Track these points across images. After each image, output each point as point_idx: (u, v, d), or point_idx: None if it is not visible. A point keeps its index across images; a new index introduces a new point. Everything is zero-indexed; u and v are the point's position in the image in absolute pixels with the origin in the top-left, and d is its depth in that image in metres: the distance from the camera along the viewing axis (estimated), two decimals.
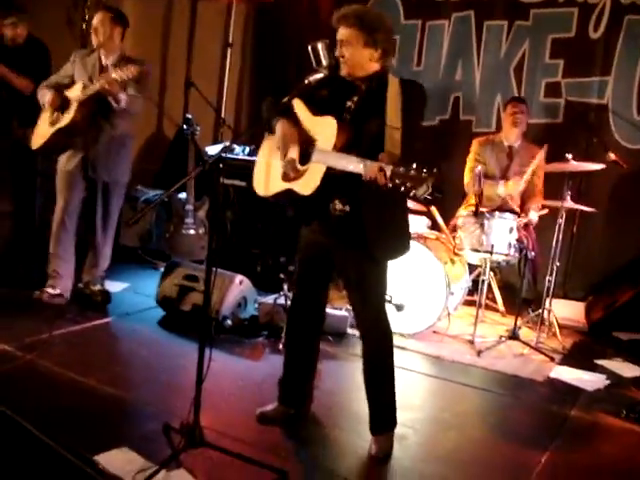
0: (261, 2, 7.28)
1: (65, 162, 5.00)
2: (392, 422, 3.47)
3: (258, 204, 6.22)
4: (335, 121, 3.11)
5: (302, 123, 3.26)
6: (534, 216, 5.39)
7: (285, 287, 4.93)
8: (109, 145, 4.94)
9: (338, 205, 3.20)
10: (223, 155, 3.04)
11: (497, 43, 6.45)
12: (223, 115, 7.22)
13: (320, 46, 3.10)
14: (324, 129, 3.14)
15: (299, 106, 3.28)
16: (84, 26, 7.63)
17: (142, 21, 7.73)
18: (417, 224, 5.65)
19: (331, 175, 3.07)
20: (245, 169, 6.33)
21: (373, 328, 3.43)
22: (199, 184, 6.31)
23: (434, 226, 5.69)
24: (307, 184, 3.14)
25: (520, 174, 5.58)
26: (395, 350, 4.80)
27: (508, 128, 5.72)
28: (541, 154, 5.29)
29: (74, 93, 4.79)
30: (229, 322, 4.85)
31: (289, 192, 3.23)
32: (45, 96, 4.91)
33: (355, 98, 3.21)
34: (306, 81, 3.16)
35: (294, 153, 3.26)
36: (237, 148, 6.63)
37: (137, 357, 4.32)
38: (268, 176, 3.38)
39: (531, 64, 6.31)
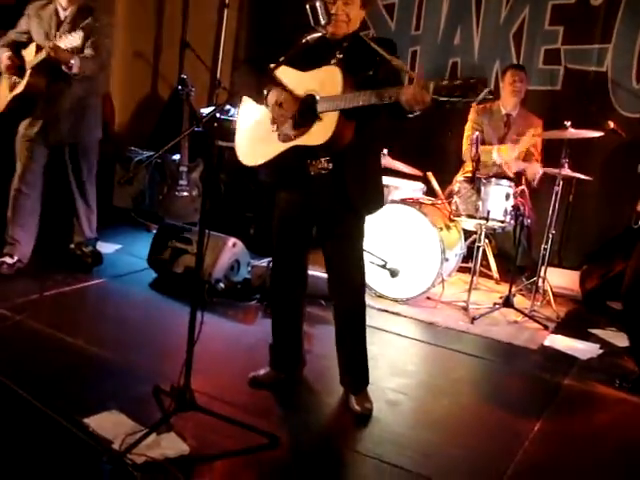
0: None
1: (26, 127, 4.79)
2: (368, 379, 3.50)
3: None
4: (337, 67, 3.07)
5: (289, 86, 3.18)
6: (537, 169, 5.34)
7: None
8: (71, 106, 4.75)
9: (322, 163, 3.18)
10: (217, 115, 2.99)
11: (497, 9, 6.32)
12: (219, 77, 7.12)
13: (318, 4, 3.01)
14: (325, 78, 3.08)
15: (283, 69, 3.19)
16: None
17: None
18: (412, 189, 5.61)
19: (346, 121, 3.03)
20: None
21: (353, 284, 3.41)
22: (193, 146, 6.24)
23: (430, 192, 5.65)
24: (319, 134, 3.07)
25: (516, 142, 5.54)
26: (388, 315, 4.91)
27: (507, 96, 5.64)
28: (537, 129, 5.33)
29: (29, 57, 4.65)
30: (222, 285, 4.80)
31: (293, 150, 3.16)
32: (1, 57, 4.72)
33: (340, 55, 3.16)
34: (304, 40, 3.09)
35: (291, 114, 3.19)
36: (232, 109, 6.53)
37: (128, 319, 4.28)
38: (257, 143, 3.32)
39: (531, 30, 6.19)
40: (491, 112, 5.68)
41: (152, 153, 6.60)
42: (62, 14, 4.71)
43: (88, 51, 4.63)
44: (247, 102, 3.40)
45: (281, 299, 3.61)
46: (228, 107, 6.56)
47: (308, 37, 3.11)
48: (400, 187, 5.58)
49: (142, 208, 6.52)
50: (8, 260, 4.81)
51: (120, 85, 7.78)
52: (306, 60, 3.18)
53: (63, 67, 4.53)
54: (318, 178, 3.19)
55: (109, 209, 6.51)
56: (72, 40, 4.37)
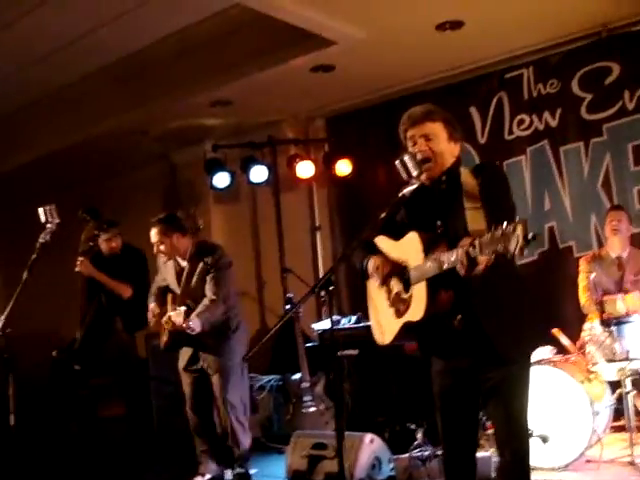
0: (339, 181, 7.49)
1: (180, 360, 5.19)
2: None
3: (375, 370, 6.10)
4: (415, 233, 3.01)
5: (389, 255, 3.18)
6: None
7: (419, 437, 4.66)
8: (210, 335, 4.98)
9: (456, 321, 3.01)
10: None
11: (578, 165, 6.41)
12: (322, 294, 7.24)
13: (407, 158, 3.06)
14: (410, 246, 3.04)
15: (382, 241, 3.22)
16: None
17: (231, 222, 8.12)
18: (541, 352, 5.36)
19: (435, 288, 2.91)
20: (354, 337, 6.30)
21: (517, 447, 3.07)
22: (311, 361, 6.25)
23: (560, 352, 5.38)
24: (416, 308, 2.98)
25: (636, 283, 5.35)
26: None
27: (610, 238, 5.60)
28: None
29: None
30: None
31: (406, 326, 3.06)
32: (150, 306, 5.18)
33: (435, 203, 3.10)
34: (400, 194, 3.11)
35: (397, 286, 3.15)
36: (343, 320, 6.59)
37: None
38: (381, 321, 3.26)
39: (617, 176, 6.21)
40: (601, 259, 5.59)
41: (272, 377, 6.65)
42: (182, 264, 5.10)
43: (206, 300, 4.90)
44: (371, 280, 3.33)
45: None
46: (338, 317, 6.63)
47: (404, 191, 3.12)
48: None
49: (271, 433, 6.44)
50: (200, 478, 5.10)
51: None
52: (410, 217, 3.17)
53: (188, 331, 4.80)
54: (462, 336, 3.01)
55: None
56: (177, 315, 4.74)
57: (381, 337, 3.26)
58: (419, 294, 2.96)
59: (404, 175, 3.09)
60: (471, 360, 3.06)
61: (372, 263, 3.19)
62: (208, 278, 4.95)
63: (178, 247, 5.02)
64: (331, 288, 3.06)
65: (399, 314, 3.11)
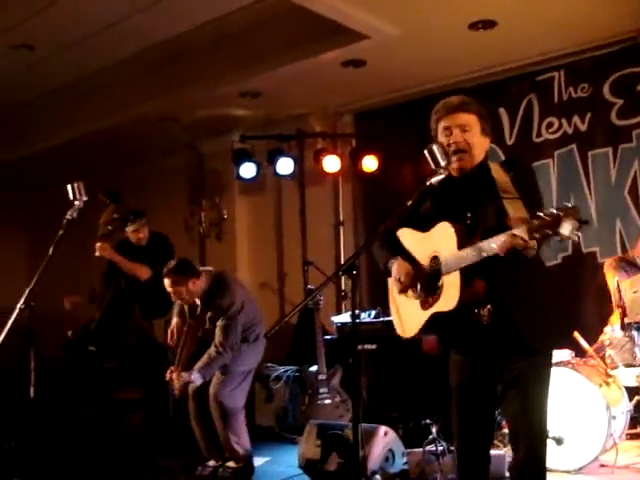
0: (365, 176, 7.50)
1: None
2: None
3: (392, 366, 6.11)
4: (448, 223, 3.00)
5: (414, 250, 3.18)
6: None
7: (433, 431, 4.66)
8: None
9: (488, 311, 2.96)
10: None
11: (605, 170, 6.36)
12: (343, 287, 7.27)
13: (435, 147, 3.05)
14: (441, 237, 3.03)
15: (405, 234, 3.23)
16: (201, 230, 8.07)
17: (255, 213, 8.16)
18: (560, 355, 5.34)
19: (468, 277, 2.91)
20: (372, 332, 6.32)
21: (533, 444, 3.04)
22: (329, 353, 6.27)
23: (578, 354, 5.36)
24: (448, 298, 2.96)
25: None
26: None
27: None
28: None
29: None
30: (378, 477, 4.57)
31: (435, 317, 3.04)
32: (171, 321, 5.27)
33: (466, 195, 3.09)
34: (428, 183, 3.09)
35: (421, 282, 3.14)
36: (362, 314, 6.60)
37: None
38: (404, 314, 3.24)
39: None
40: (627, 263, 5.50)
41: (289, 367, 6.68)
42: (196, 301, 5.11)
43: (212, 349, 4.92)
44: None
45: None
46: (358, 312, 6.64)
47: (432, 180, 3.08)
48: None
49: (285, 424, 6.47)
50: (212, 463, 5.07)
51: None
52: (437, 208, 3.15)
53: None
54: (489, 329, 2.97)
55: (252, 428, 6.46)
56: (177, 382, 4.92)
57: (403, 330, 3.25)
58: (452, 283, 2.94)
59: (431, 164, 3.06)
60: (496, 351, 3.03)
61: (395, 271, 3.18)
62: (218, 324, 4.96)
63: (195, 291, 4.99)
64: (354, 272, 3.03)
65: (426, 305, 3.08)
